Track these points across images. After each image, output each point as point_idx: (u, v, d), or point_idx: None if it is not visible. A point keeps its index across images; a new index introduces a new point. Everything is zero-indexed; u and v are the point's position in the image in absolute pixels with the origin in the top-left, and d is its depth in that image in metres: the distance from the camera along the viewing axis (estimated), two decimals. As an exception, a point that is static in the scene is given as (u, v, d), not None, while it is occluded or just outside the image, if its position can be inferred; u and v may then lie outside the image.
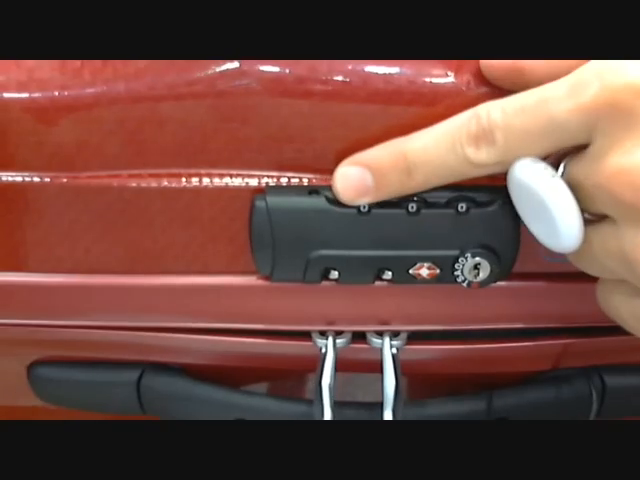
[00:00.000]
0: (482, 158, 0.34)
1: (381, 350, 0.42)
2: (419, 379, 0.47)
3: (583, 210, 0.33)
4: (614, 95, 0.31)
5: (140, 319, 0.42)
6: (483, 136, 0.33)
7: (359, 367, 0.46)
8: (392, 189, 0.36)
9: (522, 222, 0.36)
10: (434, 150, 0.34)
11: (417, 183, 0.35)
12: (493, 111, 0.33)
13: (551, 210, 0.33)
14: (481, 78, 0.35)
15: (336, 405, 0.41)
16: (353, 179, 0.36)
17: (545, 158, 0.34)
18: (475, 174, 0.35)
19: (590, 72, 0.32)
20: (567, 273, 0.40)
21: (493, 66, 0.35)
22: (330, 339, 0.43)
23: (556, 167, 0.34)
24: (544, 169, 0.33)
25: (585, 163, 0.33)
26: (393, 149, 0.35)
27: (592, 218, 0.34)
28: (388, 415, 0.41)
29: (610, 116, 0.31)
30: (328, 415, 0.40)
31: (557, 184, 0.33)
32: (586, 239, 0.34)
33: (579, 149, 0.33)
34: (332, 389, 0.41)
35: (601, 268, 0.36)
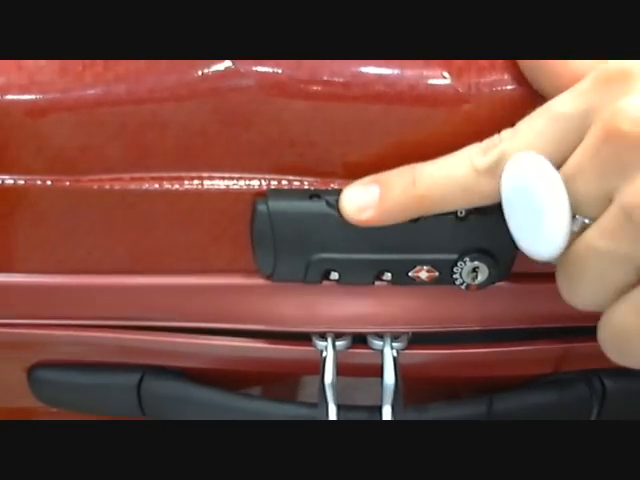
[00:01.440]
0: (485, 161, 0.33)
1: (381, 352, 0.43)
2: (419, 383, 0.47)
3: (574, 209, 0.32)
4: (608, 73, 0.31)
5: (141, 319, 0.42)
6: (491, 144, 0.34)
7: (360, 371, 0.46)
8: (394, 201, 0.35)
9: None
10: (443, 163, 0.35)
11: (420, 193, 0.35)
12: (505, 130, 0.34)
13: (538, 198, 0.32)
14: (482, 81, 0.36)
15: (341, 408, 0.42)
16: (358, 194, 0.36)
17: None
18: (477, 186, 0.34)
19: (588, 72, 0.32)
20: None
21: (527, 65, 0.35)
22: (330, 340, 0.43)
23: None
24: (535, 156, 0.32)
25: (579, 149, 0.32)
26: (404, 167, 0.36)
27: (580, 224, 0.33)
28: (387, 413, 0.41)
29: (604, 87, 0.31)
30: (333, 415, 0.41)
31: (546, 167, 0.32)
32: (572, 242, 0.33)
33: None
34: (335, 389, 0.41)
35: (594, 278, 0.34)
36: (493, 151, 0.33)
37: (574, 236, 0.33)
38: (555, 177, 0.32)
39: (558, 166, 0.33)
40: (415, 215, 0.36)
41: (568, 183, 0.32)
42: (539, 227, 0.33)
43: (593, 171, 0.32)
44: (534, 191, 0.32)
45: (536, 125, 0.33)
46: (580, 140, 0.32)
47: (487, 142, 0.34)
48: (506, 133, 0.34)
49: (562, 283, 0.35)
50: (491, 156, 0.33)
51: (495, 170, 0.33)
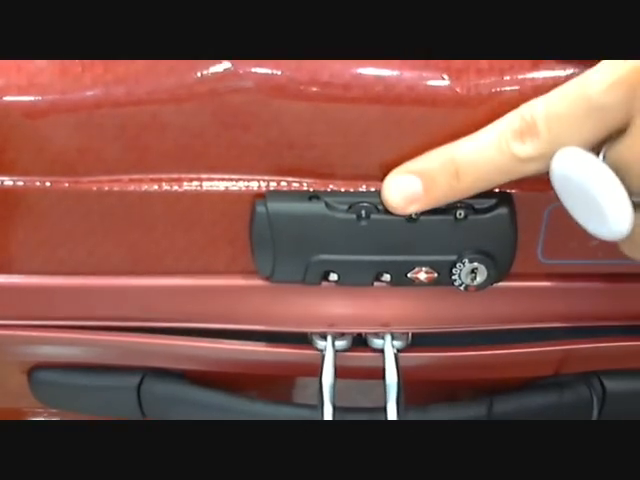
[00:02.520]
0: (528, 151, 0.33)
1: (382, 350, 0.43)
2: (419, 385, 0.47)
3: (631, 193, 0.33)
4: None
5: (141, 320, 0.42)
6: (527, 130, 0.33)
7: (360, 373, 0.46)
8: (441, 194, 0.36)
9: (513, 229, 0.37)
10: (481, 151, 0.35)
11: (465, 185, 0.35)
12: (535, 105, 0.34)
13: (596, 195, 0.32)
14: (481, 83, 0.35)
15: (341, 410, 0.42)
16: (402, 187, 0.36)
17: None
18: (522, 171, 0.34)
19: None
20: (563, 274, 0.41)
21: None
22: (329, 340, 0.43)
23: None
24: (584, 154, 0.33)
25: (626, 142, 0.32)
26: (441, 154, 0.36)
27: None
28: (392, 411, 0.41)
29: None
30: (329, 415, 0.41)
31: (598, 166, 0.32)
32: (638, 223, 0.33)
33: (619, 134, 0.33)
34: (333, 389, 0.41)
35: None
36: (534, 142, 0.33)
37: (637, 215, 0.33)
38: (609, 176, 0.32)
39: (598, 151, 0.33)
40: (457, 200, 0.37)
41: (619, 173, 0.32)
42: (603, 218, 0.33)
43: None
44: (591, 190, 0.33)
45: (576, 115, 0.33)
46: (620, 126, 0.32)
47: (521, 124, 0.34)
48: (538, 113, 0.33)
49: (631, 252, 0.36)
50: (532, 147, 0.33)
51: (538, 161, 0.34)
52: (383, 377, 0.42)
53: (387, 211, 0.37)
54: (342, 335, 0.43)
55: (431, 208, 0.37)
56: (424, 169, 0.36)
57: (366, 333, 0.44)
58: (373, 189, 0.38)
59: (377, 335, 0.43)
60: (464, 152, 0.35)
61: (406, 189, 0.36)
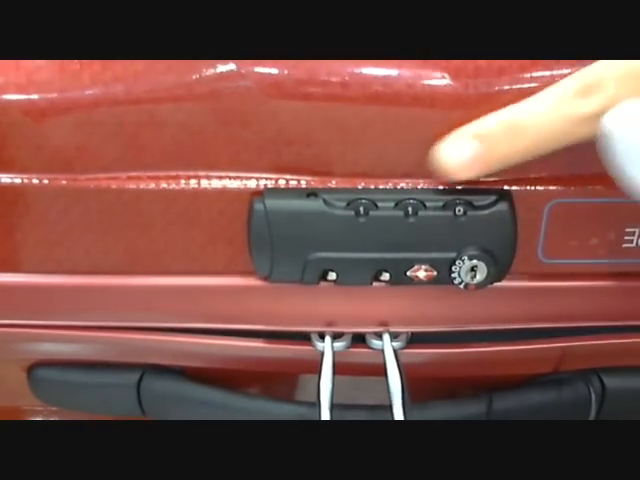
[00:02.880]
0: (593, 105, 0.33)
1: (382, 350, 0.43)
2: (418, 383, 0.48)
3: None
4: None
5: (139, 319, 0.42)
6: (592, 85, 0.33)
7: (360, 370, 0.46)
8: (500, 157, 0.35)
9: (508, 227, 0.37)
10: (541, 113, 0.34)
11: (524, 148, 0.35)
12: (599, 65, 0.33)
13: None
14: (480, 81, 0.36)
15: (340, 407, 0.42)
16: (460, 150, 0.35)
17: None
18: (580, 133, 0.34)
19: None
20: (563, 273, 0.40)
21: None
22: (328, 340, 0.43)
23: None
24: None
25: None
26: (500, 117, 0.35)
27: None
28: (398, 412, 0.41)
29: None
30: (326, 415, 0.41)
31: None
32: None
33: None
34: (332, 390, 0.41)
35: None
36: (599, 96, 0.33)
37: None
38: None
39: None
40: (515, 163, 0.36)
41: None
42: None
43: None
44: None
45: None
46: None
47: (584, 80, 0.33)
48: (603, 71, 0.33)
49: None
50: (598, 102, 0.33)
51: (600, 115, 0.33)
52: (385, 375, 0.42)
53: (386, 207, 0.37)
54: (341, 335, 0.43)
55: (487, 173, 0.36)
56: (483, 132, 0.35)
57: (365, 332, 0.44)
58: (372, 186, 0.38)
59: (376, 335, 0.43)
60: (524, 115, 0.35)
61: (465, 152, 0.35)
